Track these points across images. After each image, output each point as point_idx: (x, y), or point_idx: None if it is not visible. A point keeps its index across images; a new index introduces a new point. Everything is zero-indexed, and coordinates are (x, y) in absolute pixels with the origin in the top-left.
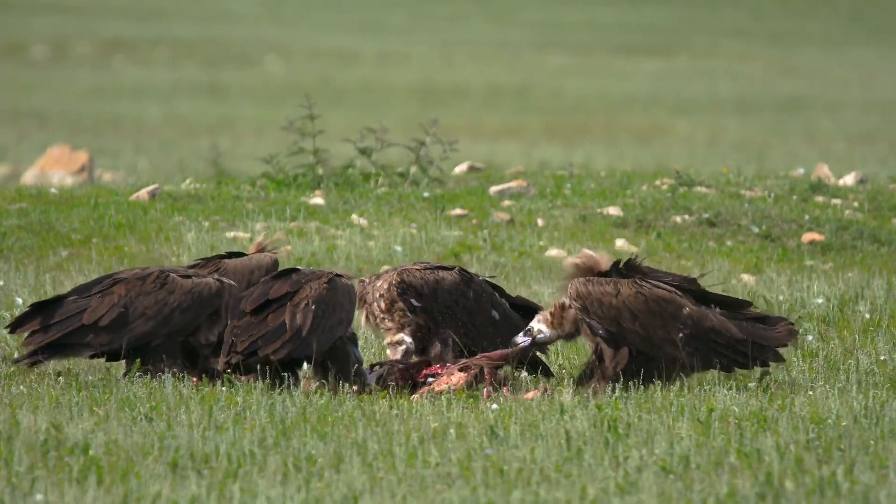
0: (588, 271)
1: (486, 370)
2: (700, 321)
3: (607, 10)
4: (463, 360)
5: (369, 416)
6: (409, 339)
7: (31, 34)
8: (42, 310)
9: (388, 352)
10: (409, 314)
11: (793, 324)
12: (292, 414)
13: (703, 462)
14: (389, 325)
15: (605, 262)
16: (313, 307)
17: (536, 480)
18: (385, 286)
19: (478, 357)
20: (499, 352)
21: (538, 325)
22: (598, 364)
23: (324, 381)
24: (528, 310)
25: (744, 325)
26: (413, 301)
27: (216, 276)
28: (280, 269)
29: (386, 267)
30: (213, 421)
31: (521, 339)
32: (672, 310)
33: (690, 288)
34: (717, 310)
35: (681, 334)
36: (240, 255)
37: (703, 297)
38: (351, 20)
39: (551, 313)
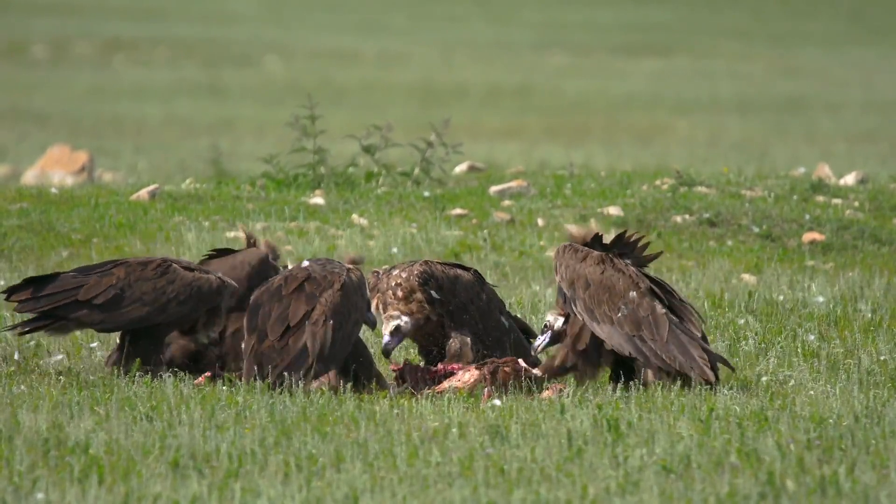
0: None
1: (503, 369)
2: (636, 310)
3: (607, 10)
4: (484, 362)
5: (370, 416)
6: (405, 319)
7: (31, 34)
8: (36, 282)
9: (383, 328)
10: (426, 305)
11: (714, 372)
12: (293, 413)
13: (703, 462)
14: (402, 308)
15: (589, 235)
16: (331, 322)
17: (537, 480)
18: (405, 275)
19: (503, 360)
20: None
21: (551, 316)
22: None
23: (346, 379)
24: (523, 329)
25: (682, 338)
26: (433, 293)
27: (218, 274)
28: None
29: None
30: (214, 420)
31: (540, 339)
32: (621, 288)
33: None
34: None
35: (619, 314)
36: (228, 251)
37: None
38: (351, 20)
39: (557, 301)
